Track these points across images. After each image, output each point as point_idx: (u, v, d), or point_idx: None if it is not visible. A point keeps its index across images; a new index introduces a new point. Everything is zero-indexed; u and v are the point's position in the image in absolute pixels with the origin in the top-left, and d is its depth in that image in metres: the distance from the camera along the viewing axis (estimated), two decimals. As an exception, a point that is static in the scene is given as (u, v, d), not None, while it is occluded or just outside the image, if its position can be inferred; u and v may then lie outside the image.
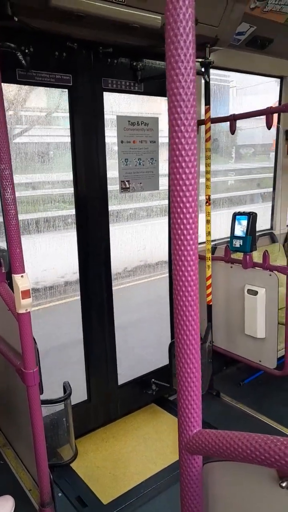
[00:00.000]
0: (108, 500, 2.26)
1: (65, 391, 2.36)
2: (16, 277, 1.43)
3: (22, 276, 1.44)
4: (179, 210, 0.71)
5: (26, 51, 2.05)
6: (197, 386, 0.80)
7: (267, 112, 2.54)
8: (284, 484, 0.69)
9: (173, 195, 0.71)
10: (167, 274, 3.14)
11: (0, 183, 1.37)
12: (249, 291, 2.75)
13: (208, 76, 2.66)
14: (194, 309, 0.75)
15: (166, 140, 2.56)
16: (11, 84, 2.20)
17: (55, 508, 1.76)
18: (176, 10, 0.64)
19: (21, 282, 1.43)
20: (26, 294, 1.43)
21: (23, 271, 1.45)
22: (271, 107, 2.57)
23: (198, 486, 0.84)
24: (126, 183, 2.65)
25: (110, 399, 2.82)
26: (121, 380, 2.89)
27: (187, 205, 0.71)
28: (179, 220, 0.72)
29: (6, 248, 1.86)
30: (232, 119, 2.70)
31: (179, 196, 0.71)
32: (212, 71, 2.68)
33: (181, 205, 0.71)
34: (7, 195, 1.37)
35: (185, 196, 0.70)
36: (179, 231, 0.72)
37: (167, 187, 2.92)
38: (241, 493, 0.80)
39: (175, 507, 2.15)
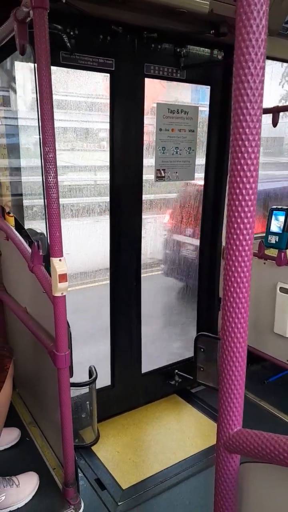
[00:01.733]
0: (127, 486, 2.28)
1: (90, 375, 2.39)
2: (55, 261, 1.44)
3: (60, 260, 1.45)
4: (237, 202, 0.69)
5: (71, 33, 2.03)
6: (241, 385, 0.78)
7: (313, 105, 2.45)
8: None
9: (232, 187, 0.69)
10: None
11: (43, 166, 1.37)
12: (282, 289, 2.69)
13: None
14: (244, 306, 0.73)
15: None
16: (54, 67, 2.19)
17: (78, 488, 1.79)
18: None
19: (59, 265, 1.44)
20: (63, 277, 1.44)
21: (61, 255, 1.46)
22: None
23: (234, 485, 0.83)
24: (162, 171, 2.62)
25: (133, 387, 2.84)
26: (145, 368, 2.90)
27: (246, 197, 0.68)
28: (236, 214, 0.69)
29: (43, 232, 1.88)
30: (275, 111, 2.61)
31: (239, 188, 0.68)
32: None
33: (240, 197, 0.68)
34: (50, 178, 1.37)
35: (245, 188, 0.68)
36: (235, 228, 0.70)
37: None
38: (278, 496, 0.79)
39: (192, 499, 2.16)
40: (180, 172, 2.69)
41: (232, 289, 0.73)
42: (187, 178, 2.75)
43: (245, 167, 0.67)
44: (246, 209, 0.69)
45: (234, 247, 0.71)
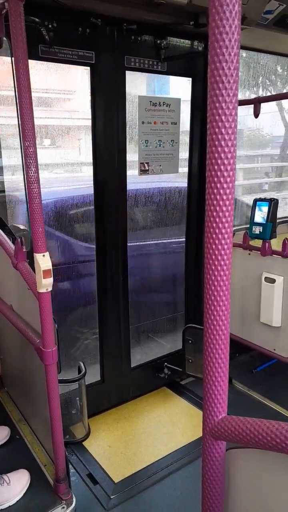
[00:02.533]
0: (119, 479, 2.30)
1: (79, 371, 2.38)
2: (38, 256, 1.43)
3: (43, 255, 1.44)
4: (215, 191, 0.69)
5: (50, 26, 2.01)
6: (224, 373, 0.79)
7: (294, 95, 2.46)
8: None
9: (210, 176, 0.69)
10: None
11: (24, 161, 1.35)
12: (267, 279, 2.72)
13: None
14: (226, 295, 0.73)
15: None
16: (33, 61, 2.16)
17: (70, 484, 1.80)
18: None
19: (43, 261, 1.43)
20: (47, 273, 1.43)
21: (45, 250, 1.45)
22: (297, 90, 2.50)
23: (220, 471, 0.84)
24: (146, 165, 2.61)
25: (123, 381, 2.85)
26: (134, 362, 2.91)
27: (225, 186, 0.68)
28: (214, 203, 0.70)
29: (26, 228, 1.86)
30: (257, 102, 2.62)
31: (217, 177, 0.68)
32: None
33: (218, 187, 0.69)
34: (31, 173, 1.35)
35: (223, 177, 0.68)
36: (214, 216, 0.70)
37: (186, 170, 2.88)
38: (263, 481, 0.80)
39: (184, 489, 2.18)
40: (164, 165, 2.69)
41: (213, 279, 0.74)
42: (171, 171, 2.75)
43: (222, 154, 0.67)
44: (224, 196, 0.69)
45: (214, 236, 0.71)
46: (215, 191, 0.69)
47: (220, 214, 0.70)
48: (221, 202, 0.69)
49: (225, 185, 0.68)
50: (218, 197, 0.69)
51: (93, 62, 2.23)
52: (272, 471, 0.78)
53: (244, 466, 0.83)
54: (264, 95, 3.39)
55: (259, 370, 3.27)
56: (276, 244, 2.80)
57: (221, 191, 0.69)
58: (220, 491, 0.85)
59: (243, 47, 2.82)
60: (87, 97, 2.34)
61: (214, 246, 0.72)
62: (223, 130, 0.66)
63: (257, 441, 0.71)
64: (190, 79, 2.67)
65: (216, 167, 0.68)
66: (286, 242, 2.59)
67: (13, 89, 1.46)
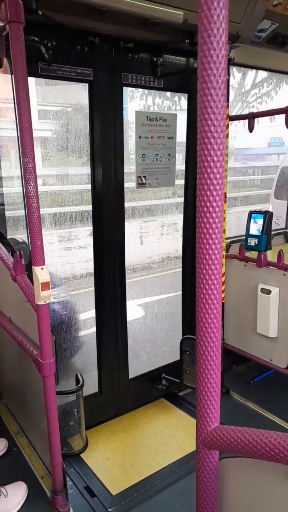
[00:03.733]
0: (117, 491, 2.29)
1: (77, 383, 2.39)
2: (37, 269, 1.46)
3: (42, 268, 1.47)
4: (205, 206, 0.72)
5: (49, 44, 2.06)
6: (216, 382, 0.81)
7: (286, 111, 2.52)
8: None
9: (200, 191, 0.72)
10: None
11: (23, 176, 1.39)
12: (263, 290, 2.75)
13: (228, 73, 2.65)
14: (217, 306, 0.76)
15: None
16: (32, 78, 2.22)
17: (67, 496, 1.80)
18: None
19: (41, 274, 1.46)
20: (45, 286, 1.46)
21: (43, 264, 1.48)
22: (290, 105, 2.55)
23: (214, 480, 0.86)
24: (143, 178, 2.66)
25: (121, 392, 2.85)
26: (132, 374, 2.91)
27: (214, 202, 0.72)
28: (205, 218, 0.73)
29: (25, 240, 1.90)
30: (251, 117, 2.68)
31: (207, 191, 0.71)
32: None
33: (208, 202, 0.72)
34: (30, 188, 1.39)
35: (212, 193, 0.71)
36: (205, 229, 0.73)
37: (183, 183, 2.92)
38: (256, 489, 0.82)
39: (182, 501, 2.18)
40: (161, 178, 2.73)
41: (204, 290, 0.77)
42: (168, 184, 2.80)
43: (212, 171, 0.70)
44: (214, 213, 0.72)
45: (205, 248, 0.74)
46: (205, 203, 0.73)
47: (210, 225, 0.73)
48: (211, 213, 0.73)
49: (214, 193, 0.72)
50: (207, 208, 0.73)
51: (91, 79, 2.29)
52: (264, 479, 0.80)
53: (237, 475, 0.85)
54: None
55: (256, 380, 3.28)
56: (271, 255, 2.84)
57: (211, 202, 0.72)
58: (214, 500, 0.86)
59: (237, 64, 2.90)
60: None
61: (205, 257, 0.75)
62: (212, 140, 0.70)
63: (248, 450, 0.73)
64: (186, 94, 2.74)
65: (206, 175, 0.72)
66: (281, 253, 2.63)
67: (13, 105, 1.51)
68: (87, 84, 2.31)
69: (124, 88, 2.43)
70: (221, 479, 0.87)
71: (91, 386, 2.72)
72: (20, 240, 1.99)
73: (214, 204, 0.72)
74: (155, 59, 2.48)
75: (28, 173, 1.41)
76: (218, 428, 0.81)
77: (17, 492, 1.79)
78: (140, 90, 2.75)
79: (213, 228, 0.73)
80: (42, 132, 2.82)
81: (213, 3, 0.64)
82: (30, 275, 1.61)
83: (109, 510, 2.17)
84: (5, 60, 1.78)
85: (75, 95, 2.55)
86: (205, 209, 0.73)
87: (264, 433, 0.73)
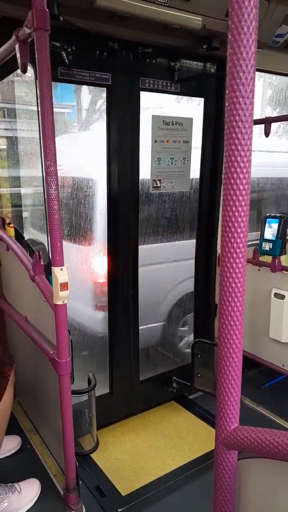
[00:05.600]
0: (127, 492, 2.30)
1: (89, 383, 2.42)
2: (56, 270, 1.49)
3: (61, 269, 1.50)
4: (231, 209, 0.74)
5: (69, 50, 2.10)
6: (237, 384, 0.83)
7: (304, 116, 2.53)
8: None
9: (226, 195, 0.74)
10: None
11: (45, 179, 1.42)
12: (276, 295, 2.75)
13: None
14: (239, 311, 0.78)
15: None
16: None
17: (79, 494, 1.82)
18: (241, 10, 0.67)
19: (60, 274, 1.48)
20: (64, 286, 1.49)
21: (62, 264, 1.51)
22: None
23: (232, 481, 0.87)
24: (158, 182, 2.68)
25: (132, 394, 2.87)
26: (143, 375, 2.93)
27: (240, 205, 0.73)
28: (230, 223, 0.75)
29: (44, 242, 1.93)
30: (268, 122, 2.70)
31: (233, 196, 0.73)
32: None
33: (234, 206, 0.74)
34: (51, 190, 1.42)
35: (238, 196, 0.73)
36: (229, 237, 0.75)
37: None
38: (274, 490, 0.83)
39: (191, 504, 2.18)
40: (176, 182, 2.75)
41: (227, 296, 0.78)
42: (183, 188, 2.82)
43: (239, 171, 0.72)
44: (239, 218, 0.74)
45: (229, 255, 0.76)
46: (231, 208, 0.75)
47: (236, 231, 0.75)
48: (236, 220, 0.75)
49: (241, 202, 0.74)
50: (233, 214, 0.75)
51: (109, 83, 2.32)
52: (283, 480, 0.81)
53: (256, 476, 0.86)
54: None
55: (267, 385, 3.27)
56: (285, 260, 2.84)
57: (237, 208, 0.74)
58: (231, 500, 0.88)
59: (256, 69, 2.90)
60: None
61: (229, 265, 0.77)
62: (239, 147, 0.72)
63: (268, 451, 0.74)
64: (203, 99, 2.76)
65: (232, 181, 0.74)
66: (296, 258, 2.63)
67: (36, 110, 1.54)
68: (105, 89, 2.35)
69: (142, 92, 2.46)
70: (239, 479, 0.89)
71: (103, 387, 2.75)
72: (38, 241, 2.03)
73: (240, 209, 0.74)
74: (172, 64, 2.50)
75: (49, 176, 1.44)
76: (238, 429, 0.83)
77: (31, 489, 1.82)
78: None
79: (238, 233, 0.75)
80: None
81: (244, 15, 0.66)
82: (47, 276, 1.64)
83: (119, 510, 2.18)
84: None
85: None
86: (230, 213, 0.75)
87: (284, 433, 0.74)
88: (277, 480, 0.81)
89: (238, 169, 0.72)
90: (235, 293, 0.78)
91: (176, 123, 2.63)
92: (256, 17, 0.68)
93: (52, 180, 1.43)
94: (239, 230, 0.75)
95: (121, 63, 2.34)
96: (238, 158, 0.72)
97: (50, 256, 1.51)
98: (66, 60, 2.08)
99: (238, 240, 0.75)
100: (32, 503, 1.78)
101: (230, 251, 0.76)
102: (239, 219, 0.74)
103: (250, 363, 3.17)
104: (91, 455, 2.56)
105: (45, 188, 1.45)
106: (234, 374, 0.81)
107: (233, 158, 0.72)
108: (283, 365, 2.84)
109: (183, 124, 2.67)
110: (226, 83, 0.74)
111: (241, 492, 0.90)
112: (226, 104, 0.74)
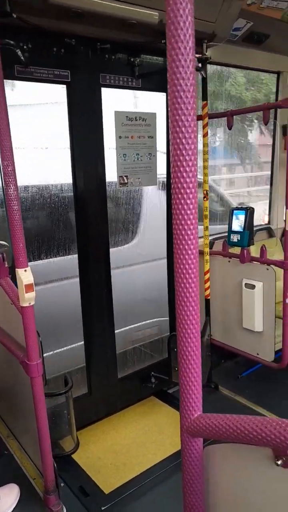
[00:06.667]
0: (110, 490, 2.30)
1: (66, 384, 2.40)
2: (20, 271, 1.47)
3: (25, 270, 1.47)
4: (179, 203, 0.75)
5: (25, 47, 2.06)
6: (198, 372, 0.83)
7: (264, 108, 2.57)
8: (279, 462, 0.73)
9: (174, 188, 0.75)
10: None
11: (3, 179, 1.39)
12: (247, 285, 2.79)
13: (205, 72, 2.69)
14: (194, 300, 0.78)
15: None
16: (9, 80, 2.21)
17: (59, 495, 1.81)
18: (176, 5, 0.67)
19: (25, 276, 1.46)
20: (29, 288, 1.47)
21: (26, 265, 1.48)
22: (268, 103, 2.61)
23: (199, 468, 0.88)
24: (125, 178, 2.68)
25: (110, 392, 2.86)
26: (121, 373, 2.93)
27: (187, 199, 0.74)
28: (180, 215, 0.75)
29: (7, 243, 1.89)
30: (230, 115, 2.73)
31: (180, 189, 0.74)
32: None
33: (182, 199, 0.74)
34: (10, 191, 1.40)
35: (186, 189, 0.74)
36: (180, 226, 0.76)
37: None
38: (240, 473, 0.84)
39: (175, 496, 2.20)
40: (143, 177, 2.76)
41: (182, 287, 0.79)
42: (150, 183, 2.82)
43: (185, 167, 0.73)
44: (188, 210, 0.75)
45: (181, 247, 0.76)
46: (179, 201, 0.75)
47: (184, 221, 0.76)
48: (184, 209, 0.75)
49: (188, 191, 0.74)
50: (181, 206, 0.75)
51: (69, 80, 2.30)
52: (247, 463, 0.82)
53: (222, 461, 0.87)
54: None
55: (244, 375, 3.33)
56: (254, 251, 2.89)
57: (185, 199, 0.75)
58: (200, 487, 0.89)
59: (214, 63, 2.94)
60: None
61: (181, 253, 0.77)
62: (184, 140, 0.72)
63: (230, 435, 0.75)
64: (165, 94, 2.76)
65: (179, 174, 0.74)
66: (264, 248, 2.67)
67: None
68: (65, 86, 2.32)
69: (103, 89, 2.45)
70: (206, 465, 0.90)
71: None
72: (2, 243, 1.99)
73: (188, 201, 0.74)
74: (132, 59, 2.50)
75: (7, 176, 1.41)
76: (200, 416, 0.84)
77: (10, 494, 1.79)
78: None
79: (189, 225, 0.75)
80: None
81: (179, 10, 0.67)
82: (13, 278, 1.61)
83: (103, 508, 2.18)
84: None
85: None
86: (179, 206, 0.75)
87: (245, 418, 0.76)
88: (242, 462, 0.83)
89: (184, 163, 0.73)
90: (189, 284, 0.79)
91: (139, 119, 2.63)
92: (191, 12, 0.69)
93: (10, 180, 1.40)
94: (188, 221, 0.75)
95: (80, 59, 2.31)
96: (184, 152, 0.73)
97: (14, 257, 1.49)
98: (22, 58, 2.04)
99: (189, 232, 0.76)
100: (11, 509, 1.76)
101: (182, 241, 0.77)
102: (188, 210, 0.75)
103: (227, 354, 3.22)
104: (72, 456, 2.55)
105: (3, 189, 1.42)
106: (193, 363, 0.82)
107: (178, 152, 0.73)
108: (257, 354, 2.89)
109: (147, 119, 2.67)
110: (167, 78, 0.74)
111: (210, 478, 0.91)
112: (169, 99, 0.74)
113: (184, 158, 0.73)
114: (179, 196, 0.74)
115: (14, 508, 1.76)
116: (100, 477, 2.39)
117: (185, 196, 0.74)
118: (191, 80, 0.72)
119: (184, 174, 0.73)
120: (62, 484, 2.26)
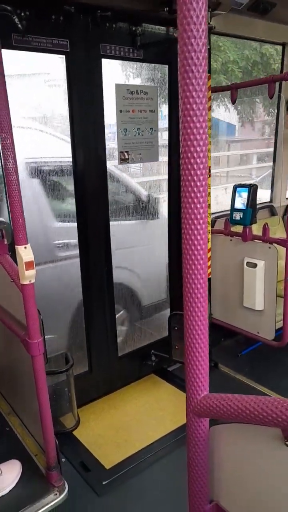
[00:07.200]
0: (110, 465, 2.34)
1: (67, 362, 2.40)
2: (20, 248, 1.43)
3: (25, 247, 1.44)
4: (189, 178, 0.71)
5: (22, 14, 1.97)
6: (205, 352, 0.81)
7: (269, 81, 2.49)
8: None
9: (184, 163, 0.70)
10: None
11: (1, 153, 1.34)
12: (248, 264, 2.77)
13: (209, 43, 2.59)
14: (203, 279, 0.75)
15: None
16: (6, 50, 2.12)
17: (61, 471, 1.82)
18: None
19: (25, 253, 1.43)
20: (29, 265, 1.43)
21: (26, 242, 1.45)
22: (273, 75, 2.52)
23: (205, 448, 0.87)
24: (126, 154, 2.61)
25: (111, 370, 2.88)
26: (121, 351, 2.93)
27: (198, 173, 0.70)
28: (189, 190, 0.71)
29: (6, 220, 1.85)
30: (234, 88, 2.64)
31: (190, 164, 0.70)
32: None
33: (192, 175, 0.70)
34: (9, 164, 1.35)
35: (196, 163, 0.70)
36: (190, 203, 0.72)
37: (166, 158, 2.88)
38: (247, 453, 0.83)
39: (174, 472, 2.23)
40: (144, 153, 2.69)
41: (190, 264, 0.76)
42: (151, 159, 2.75)
43: (195, 142, 0.68)
44: (198, 183, 0.71)
45: (190, 222, 0.73)
46: (190, 177, 0.71)
47: (195, 199, 0.72)
48: (195, 188, 0.71)
49: (198, 172, 0.70)
50: (192, 183, 0.71)
51: (68, 50, 2.20)
52: (253, 442, 0.81)
53: (227, 441, 0.86)
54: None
55: (244, 353, 3.34)
56: (257, 229, 2.85)
57: (195, 177, 0.71)
58: (205, 466, 0.88)
59: (218, 33, 2.82)
60: None
61: (190, 232, 0.74)
62: (194, 118, 0.68)
63: (236, 415, 0.74)
64: (167, 66, 2.67)
65: (189, 154, 0.70)
66: (266, 227, 2.63)
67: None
68: (64, 56, 2.23)
69: (103, 60, 2.36)
70: (211, 445, 0.89)
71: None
72: (1, 220, 1.95)
73: (200, 177, 0.70)
74: (133, 28, 2.40)
75: (6, 149, 1.36)
76: (207, 396, 0.82)
77: (12, 470, 1.81)
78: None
79: (199, 202, 0.71)
80: None
81: None
82: (13, 255, 1.58)
83: (104, 483, 2.21)
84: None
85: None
86: (189, 183, 0.71)
87: (251, 398, 0.74)
88: (247, 442, 0.82)
89: (194, 137, 0.68)
90: (198, 261, 0.75)
91: (140, 92, 2.55)
92: None
93: (9, 153, 1.35)
94: (198, 195, 0.71)
95: (80, 28, 2.22)
96: (195, 131, 0.68)
97: (13, 234, 1.45)
98: (20, 26, 1.95)
99: (198, 206, 0.72)
100: (14, 484, 1.77)
101: (191, 217, 0.73)
102: (198, 183, 0.71)
103: (227, 333, 3.22)
104: (73, 433, 2.57)
105: (2, 163, 1.37)
106: (201, 343, 0.80)
107: (188, 130, 0.68)
108: (258, 332, 2.89)
109: (148, 92, 2.59)
110: (178, 49, 0.69)
111: (214, 458, 0.90)
112: (179, 73, 0.69)
113: (195, 138, 0.69)
114: (190, 172, 0.70)
115: (16, 483, 1.77)
116: (101, 453, 2.42)
117: (195, 178, 0.70)
118: (203, 53, 0.66)
119: (195, 154, 0.69)
120: (63, 460, 2.29)
